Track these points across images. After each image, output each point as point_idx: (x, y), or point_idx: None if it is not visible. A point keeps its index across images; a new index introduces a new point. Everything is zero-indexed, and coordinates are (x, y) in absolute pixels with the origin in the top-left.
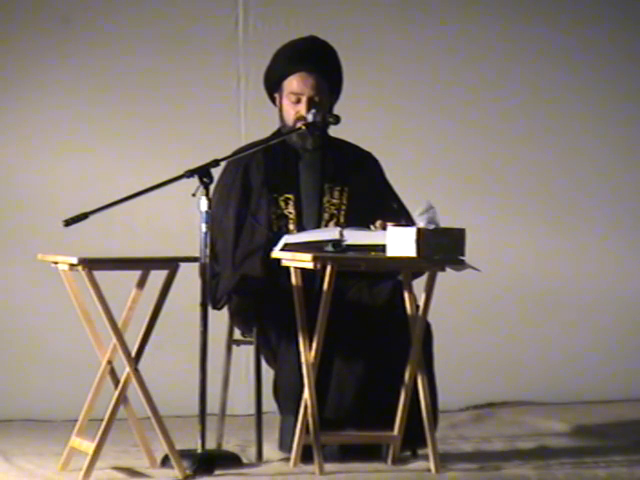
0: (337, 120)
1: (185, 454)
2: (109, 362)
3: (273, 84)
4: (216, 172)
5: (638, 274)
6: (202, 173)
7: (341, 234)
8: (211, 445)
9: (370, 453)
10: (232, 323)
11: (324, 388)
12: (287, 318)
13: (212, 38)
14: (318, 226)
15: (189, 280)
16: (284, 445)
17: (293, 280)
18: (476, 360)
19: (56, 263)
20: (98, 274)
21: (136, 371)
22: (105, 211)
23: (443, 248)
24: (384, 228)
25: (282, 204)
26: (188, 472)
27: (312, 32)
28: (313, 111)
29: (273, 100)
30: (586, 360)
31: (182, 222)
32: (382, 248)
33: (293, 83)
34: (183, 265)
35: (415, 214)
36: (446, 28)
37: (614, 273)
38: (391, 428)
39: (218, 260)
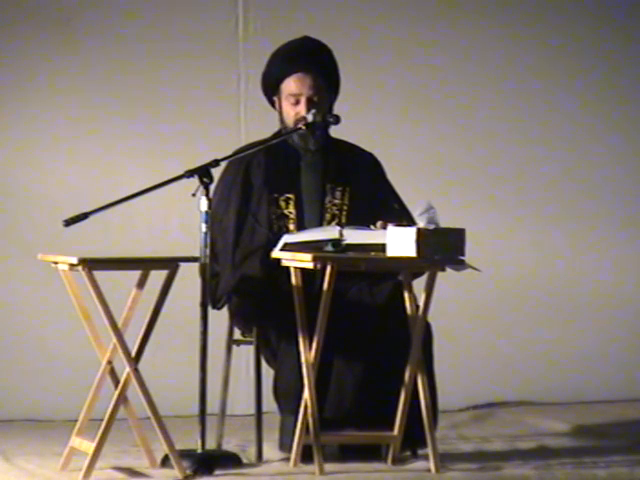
0: (337, 120)
1: (185, 454)
2: (109, 362)
3: (271, 88)
4: (216, 172)
5: (638, 274)
6: (202, 173)
7: (341, 233)
8: (211, 445)
9: (370, 453)
10: (232, 323)
11: (324, 388)
12: (287, 318)
13: (212, 38)
14: (320, 226)
15: (189, 280)
16: (284, 445)
17: (293, 280)
18: (476, 360)
19: (56, 263)
20: (98, 274)
21: (136, 371)
22: (105, 211)
23: (443, 248)
24: (385, 228)
25: (282, 204)
26: (188, 472)
27: (312, 32)
28: (313, 111)
29: (272, 104)
30: (586, 360)
31: (182, 222)
32: (382, 248)
33: (291, 85)
34: (183, 265)
35: (415, 214)
36: (447, 29)
37: (614, 273)
38: (391, 428)
39: (218, 260)
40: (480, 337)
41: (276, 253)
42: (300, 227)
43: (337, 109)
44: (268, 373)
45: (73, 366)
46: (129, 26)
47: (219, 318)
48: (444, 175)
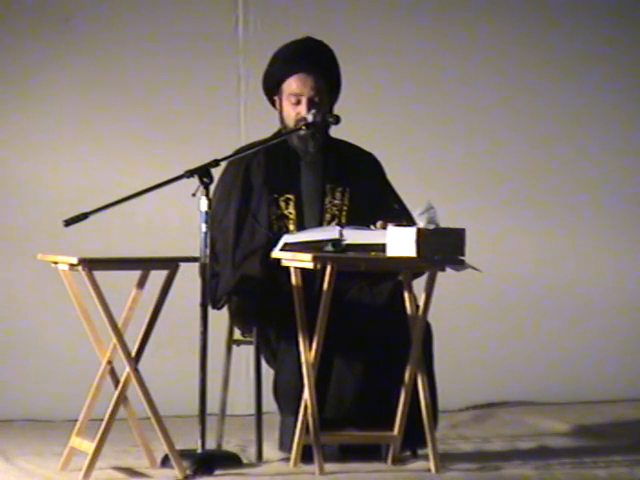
0: (337, 120)
1: (185, 454)
2: (109, 362)
3: (272, 87)
4: (216, 172)
5: (638, 274)
6: (202, 173)
7: (341, 233)
8: (211, 445)
9: (370, 453)
10: (232, 323)
11: (324, 388)
12: (287, 318)
13: (212, 38)
14: (320, 227)
15: (189, 280)
16: (284, 445)
17: (293, 280)
18: (476, 360)
19: (56, 263)
20: (98, 274)
21: (136, 371)
22: (105, 211)
23: (443, 248)
24: (385, 228)
25: (282, 204)
26: (188, 472)
27: (312, 32)
28: (313, 111)
29: (273, 103)
30: (586, 360)
31: (182, 222)
32: (382, 248)
33: (292, 85)
34: (183, 265)
35: (415, 214)
36: (447, 29)
37: (614, 273)
38: (391, 428)
39: (218, 260)
40: (480, 337)
41: (276, 253)
42: (300, 227)
43: (337, 109)
44: (268, 373)
45: (73, 366)
46: (129, 26)
47: (219, 318)
48: (444, 175)
